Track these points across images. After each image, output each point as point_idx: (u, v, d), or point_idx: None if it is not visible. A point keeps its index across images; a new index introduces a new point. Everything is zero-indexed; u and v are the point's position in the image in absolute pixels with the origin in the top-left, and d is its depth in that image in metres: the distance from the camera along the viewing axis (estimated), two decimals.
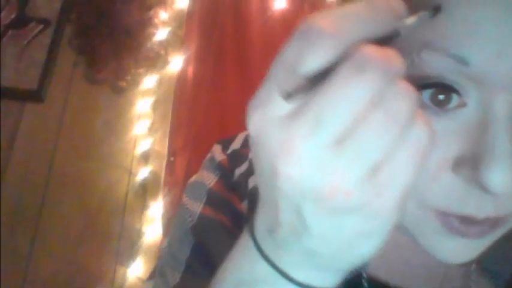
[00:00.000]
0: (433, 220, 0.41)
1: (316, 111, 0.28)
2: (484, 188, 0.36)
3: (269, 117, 0.30)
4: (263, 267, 0.36)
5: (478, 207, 0.39)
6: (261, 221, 0.36)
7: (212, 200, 0.63)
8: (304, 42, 0.28)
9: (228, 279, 0.39)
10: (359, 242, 0.32)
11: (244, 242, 0.38)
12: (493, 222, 0.40)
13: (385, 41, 0.29)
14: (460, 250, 0.42)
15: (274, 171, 0.30)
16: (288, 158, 0.29)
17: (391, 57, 0.28)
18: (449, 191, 0.39)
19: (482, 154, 0.36)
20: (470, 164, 0.37)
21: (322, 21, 0.28)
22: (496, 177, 0.35)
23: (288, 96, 0.28)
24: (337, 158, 0.28)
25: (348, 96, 0.27)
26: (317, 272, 0.35)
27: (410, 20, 0.31)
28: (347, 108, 0.27)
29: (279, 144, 0.29)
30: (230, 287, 0.39)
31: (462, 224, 0.40)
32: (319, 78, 0.28)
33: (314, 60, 0.28)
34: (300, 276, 0.35)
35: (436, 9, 0.34)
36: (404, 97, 0.28)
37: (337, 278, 0.36)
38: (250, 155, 0.63)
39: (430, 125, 0.30)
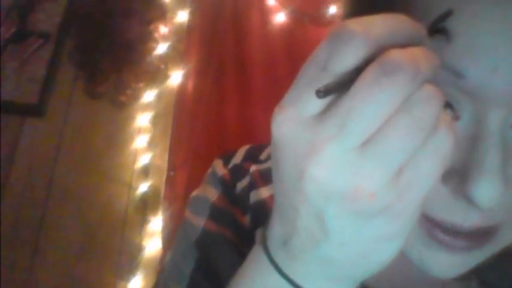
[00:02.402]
0: (418, 229, 0.42)
1: (344, 113, 0.29)
2: (470, 201, 0.37)
3: (296, 119, 0.31)
4: (276, 280, 0.36)
5: (464, 216, 0.40)
6: (274, 232, 0.36)
7: (215, 214, 0.63)
8: (337, 43, 0.29)
9: None
10: (377, 248, 0.32)
11: (256, 255, 0.38)
12: (479, 235, 0.41)
13: None
14: (447, 264, 0.42)
15: (300, 173, 0.30)
16: (315, 159, 0.29)
17: (419, 59, 0.29)
18: (437, 199, 0.40)
19: (471, 167, 0.37)
20: (459, 176, 0.38)
21: (354, 24, 0.29)
22: (482, 191, 0.36)
23: (320, 94, 0.29)
24: (363, 160, 0.29)
25: (374, 99, 0.28)
26: (331, 283, 0.35)
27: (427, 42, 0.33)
28: (374, 111, 0.28)
29: (306, 145, 0.30)
30: None
31: (447, 235, 0.41)
32: (349, 80, 0.29)
33: (346, 59, 0.29)
34: None
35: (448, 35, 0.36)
36: (430, 102, 0.29)
37: None
38: (252, 169, 0.65)
39: (453, 128, 0.31)
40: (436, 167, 0.30)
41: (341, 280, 0.35)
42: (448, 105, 0.38)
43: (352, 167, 0.29)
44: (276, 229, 0.36)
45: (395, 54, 0.28)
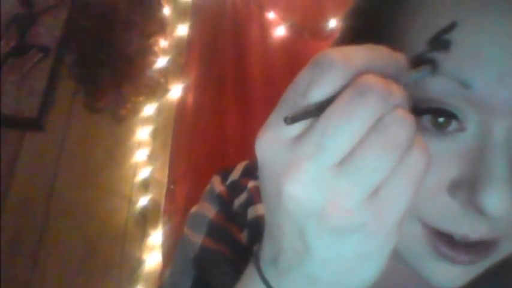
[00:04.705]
0: (423, 242, 0.43)
1: (320, 133, 0.30)
2: (480, 211, 0.38)
3: (276, 140, 0.32)
4: None
5: (472, 228, 0.40)
6: (265, 251, 0.38)
7: (212, 231, 0.64)
8: (317, 70, 0.31)
9: None
10: (359, 265, 0.33)
11: (250, 272, 0.40)
12: (484, 248, 0.42)
13: None
14: (451, 275, 0.43)
15: (279, 192, 0.32)
16: (292, 178, 0.31)
17: (391, 86, 0.31)
18: (444, 211, 0.41)
19: (479, 178, 0.38)
20: (467, 186, 0.39)
21: (334, 53, 0.31)
22: (492, 201, 0.37)
23: (288, 121, 0.31)
24: (339, 179, 0.30)
25: (348, 117, 0.30)
26: None
27: (411, 75, 0.35)
28: (348, 129, 0.30)
29: (284, 165, 0.31)
30: None
31: (452, 250, 0.41)
32: (317, 109, 0.31)
33: (325, 86, 0.31)
34: None
35: (435, 67, 0.38)
36: (403, 123, 0.31)
37: None
38: (249, 185, 0.67)
39: (428, 149, 0.32)
40: (411, 186, 0.32)
41: None
42: (453, 116, 0.39)
43: (329, 185, 0.31)
44: (266, 247, 0.38)
45: (369, 77, 0.31)
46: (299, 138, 0.32)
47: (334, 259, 0.33)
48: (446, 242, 0.42)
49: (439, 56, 0.38)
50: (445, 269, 0.43)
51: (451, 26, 0.38)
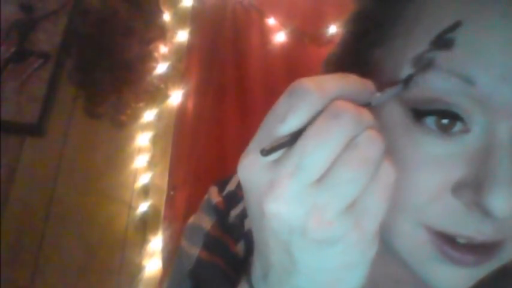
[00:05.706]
0: (428, 245, 0.43)
1: (299, 154, 0.33)
2: (486, 212, 0.38)
3: (257, 163, 0.34)
4: None
5: (477, 229, 0.41)
6: (256, 267, 0.40)
7: (209, 244, 0.65)
8: (293, 98, 0.33)
9: None
10: (344, 274, 0.35)
11: (243, 287, 0.42)
12: (489, 250, 0.42)
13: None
14: (455, 278, 0.43)
15: (262, 211, 0.34)
16: (274, 196, 0.33)
17: (361, 110, 0.33)
18: (449, 213, 0.41)
19: (485, 179, 0.39)
20: (471, 188, 0.40)
21: (309, 82, 0.33)
22: (498, 202, 0.38)
23: (264, 152, 0.33)
24: (318, 194, 0.32)
25: (324, 138, 0.32)
26: None
27: (380, 96, 0.37)
28: (324, 149, 0.32)
29: (266, 185, 0.33)
30: None
31: (457, 251, 0.42)
32: (291, 139, 0.33)
33: (301, 112, 0.33)
34: None
35: (406, 82, 0.38)
36: (374, 141, 0.33)
37: None
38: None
39: (394, 165, 0.35)
40: (385, 196, 0.34)
41: None
42: (457, 117, 0.40)
43: (310, 200, 0.33)
44: (256, 263, 0.40)
45: (341, 102, 0.33)
46: (279, 160, 0.34)
47: (320, 270, 0.35)
48: (451, 244, 0.42)
49: (441, 55, 0.39)
50: (450, 272, 0.43)
51: (456, 25, 0.38)
